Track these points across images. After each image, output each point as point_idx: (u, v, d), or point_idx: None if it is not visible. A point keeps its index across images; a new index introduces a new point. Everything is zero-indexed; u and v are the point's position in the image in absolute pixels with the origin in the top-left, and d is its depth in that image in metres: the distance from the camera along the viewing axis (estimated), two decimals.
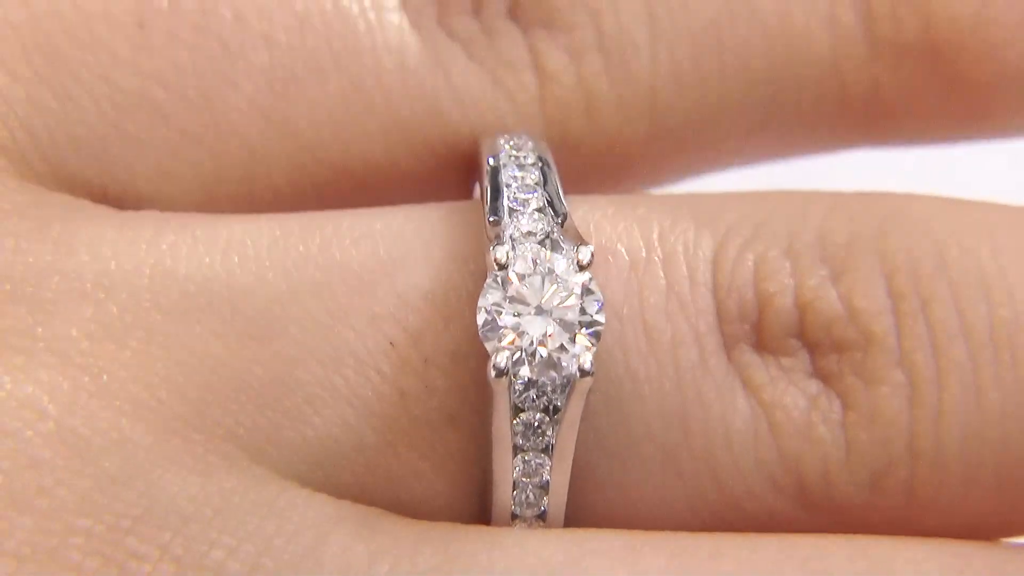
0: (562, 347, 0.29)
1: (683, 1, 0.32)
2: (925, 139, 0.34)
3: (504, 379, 0.28)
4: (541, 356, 0.28)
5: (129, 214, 0.31)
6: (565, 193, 0.30)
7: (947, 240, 0.31)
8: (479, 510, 0.31)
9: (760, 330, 0.30)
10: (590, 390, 0.29)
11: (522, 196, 0.29)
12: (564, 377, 0.28)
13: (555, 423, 0.29)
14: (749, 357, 0.30)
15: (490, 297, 0.29)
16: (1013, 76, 0.33)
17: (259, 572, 0.28)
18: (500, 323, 0.29)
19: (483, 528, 0.30)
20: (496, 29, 0.32)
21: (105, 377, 0.29)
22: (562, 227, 0.29)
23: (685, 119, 0.32)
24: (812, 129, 0.34)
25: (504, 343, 0.28)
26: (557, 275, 0.29)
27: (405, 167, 0.32)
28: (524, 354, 0.28)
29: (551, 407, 0.29)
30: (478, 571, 0.29)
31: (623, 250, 0.30)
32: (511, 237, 0.29)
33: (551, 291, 0.29)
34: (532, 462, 0.29)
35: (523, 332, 0.29)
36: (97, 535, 0.28)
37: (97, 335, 0.29)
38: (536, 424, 0.29)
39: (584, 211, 0.31)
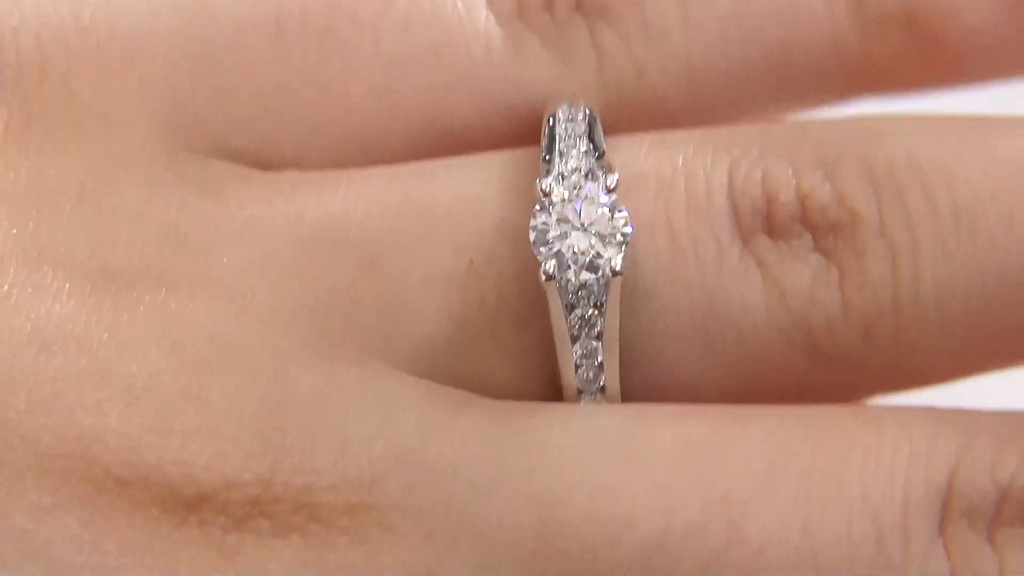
0: (598, 254, 0.36)
1: None
2: (913, 92, 0.41)
3: (553, 283, 0.36)
4: (582, 262, 0.36)
5: (271, 174, 0.39)
6: (613, 135, 0.38)
7: (916, 143, 0.38)
8: (550, 394, 0.38)
9: (769, 221, 0.38)
10: (631, 286, 0.37)
11: (570, 141, 0.37)
12: (601, 277, 0.36)
13: (602, 315, 0.37)
14: (761, 242, 0.37)
15: (539, 219, 0.37)
16: (974, 36, 0.40)
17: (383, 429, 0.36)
18: (548, 238, 0.36)
19: (556, 403, 0.38)
20: (564, 21, 0.40)
21: (248, 297, 0.38)
22: (599, 160, 0.37)
23: (717, 80, 0.40)
24: (819, 92, 0.41)
25: (551, 252, 0.36)
26: (591, 198, 0.37)
27: (495, 129, 0.40)
28: (568, 261, 0.36)
29: (599, 303, 0.37)
30: (559, 427, 0.36)
31: (653, 174, 0.38)
32: (559, 172, 0.37)
33: (587, 211, 0.37)
34: (588, 347, 0.37)
35: (567, 244, 0.36)
36: (248, 414, 0.37)
37: (242, 269, 0.38)
38: (587, 317, 0.37)
39: (626, 147, 0.39)
